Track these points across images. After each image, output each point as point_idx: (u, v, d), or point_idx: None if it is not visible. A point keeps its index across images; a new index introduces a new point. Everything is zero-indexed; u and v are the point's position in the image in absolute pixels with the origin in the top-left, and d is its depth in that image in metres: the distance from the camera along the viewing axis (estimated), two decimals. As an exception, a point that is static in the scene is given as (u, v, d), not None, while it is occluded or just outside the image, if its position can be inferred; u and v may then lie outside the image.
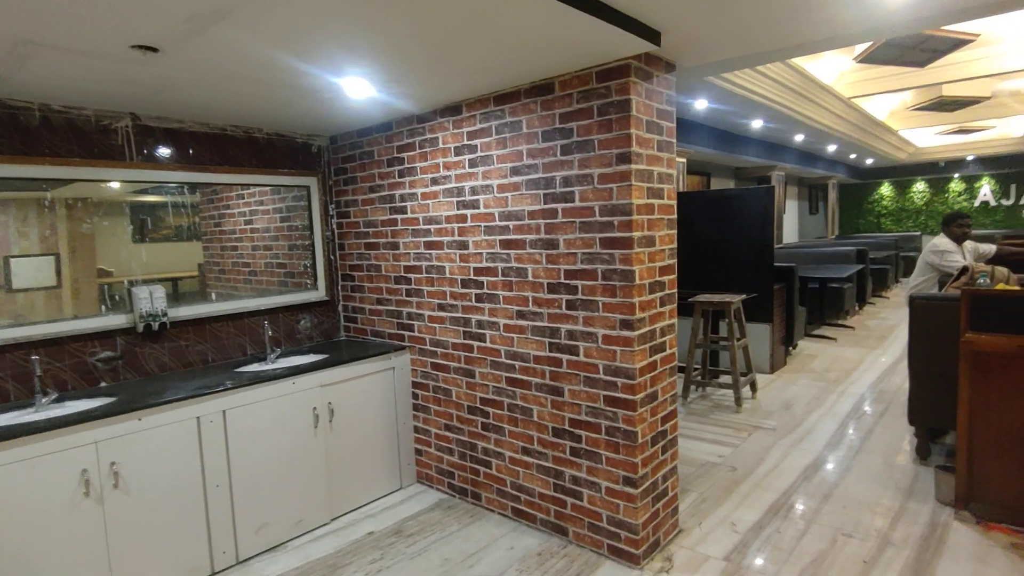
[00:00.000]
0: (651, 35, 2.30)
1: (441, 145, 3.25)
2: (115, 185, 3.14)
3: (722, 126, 7.17)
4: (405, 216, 3.52)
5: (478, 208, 3.10)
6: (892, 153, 12.26)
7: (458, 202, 3.20)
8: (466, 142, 3.12)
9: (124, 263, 3.19)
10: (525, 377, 3.02)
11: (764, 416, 4.78)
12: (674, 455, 2.95)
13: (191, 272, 3.65)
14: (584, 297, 2.72)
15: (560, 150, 2.72)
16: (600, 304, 2.67)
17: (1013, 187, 14.13)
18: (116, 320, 3.04)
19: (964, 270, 4.33)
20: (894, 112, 9.96)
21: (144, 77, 2.46)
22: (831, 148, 10.40)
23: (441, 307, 3.40)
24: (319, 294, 3.96)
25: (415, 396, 3.67)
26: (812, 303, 7.99)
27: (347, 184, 3.89)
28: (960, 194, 14.81)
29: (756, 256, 5.81)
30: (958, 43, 5.16)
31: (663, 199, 2.73)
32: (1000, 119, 10.52)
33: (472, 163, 3.10)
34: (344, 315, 4.07)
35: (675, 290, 2.89)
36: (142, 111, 3.04)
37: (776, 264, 5.99)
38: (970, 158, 13.74)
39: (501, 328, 3.09)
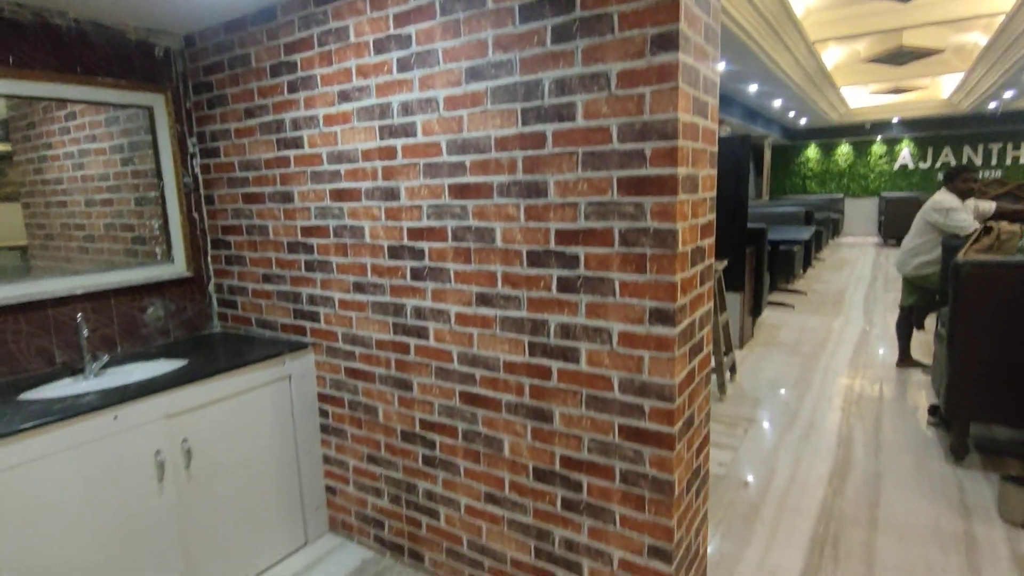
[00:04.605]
0: None
1: (354, 38, 2.10)
2: None
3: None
4: (300, 152, 2.36)
5: (414, 136, 2.01)
6: (827, 112, 11.99)
7: (382, 127, 2.09)
8: (393, 31, 1.99)
9: None
10: (491, 393, 2.01)
11: (753, 404, 4.05)
12: (706, 496, 2.07)
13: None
14: (590, 273, 1.73)
15: (552, 34, 1.67)
16: (617, 284, 1.69)
17: (930, 150, 14.41)
18: None
19: (987, 230, 3.71)
20: (839, 65, 9.53)
21: None
22: (776, 103, 9.89)
23: (359, 287, 2.30)
24: (176, 269, 2.72)
25: (324, 414, 2.57)
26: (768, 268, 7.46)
27: (213, 106, 2.65)
28: (881, 157, 14.98)
29: (730, 216, 5.03)
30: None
31: (707, 119, 1.76)
32: (935, 76, 10.39)
33: (404, 64, 1.99)
34: (218, 298, 2.87)
35: (713, 259, 1.96)
36: None
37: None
38: (895, 120, 13.81)
39: (452, 319, 2.05)
